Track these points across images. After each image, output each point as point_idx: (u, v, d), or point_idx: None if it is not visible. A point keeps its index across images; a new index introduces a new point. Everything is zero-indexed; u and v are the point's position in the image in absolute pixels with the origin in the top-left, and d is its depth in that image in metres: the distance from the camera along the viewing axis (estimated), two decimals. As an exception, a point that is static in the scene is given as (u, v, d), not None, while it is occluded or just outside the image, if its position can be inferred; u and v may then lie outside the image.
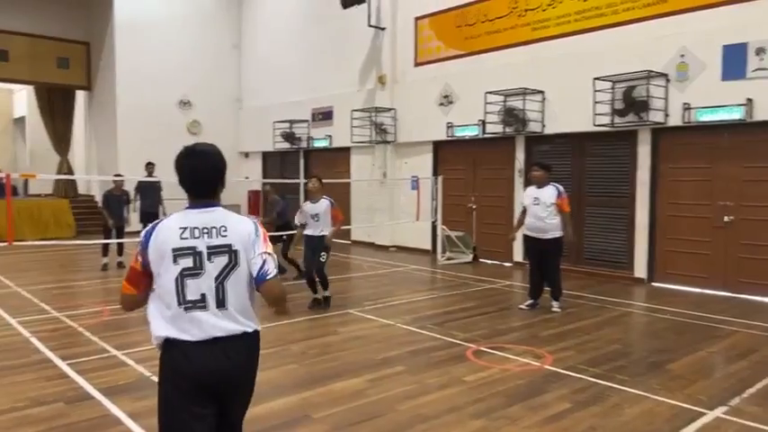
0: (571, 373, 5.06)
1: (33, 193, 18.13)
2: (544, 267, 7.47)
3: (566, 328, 6.64)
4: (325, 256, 7.38)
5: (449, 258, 11.67)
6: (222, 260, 2.41)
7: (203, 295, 2.38)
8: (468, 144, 12.15)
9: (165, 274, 2.39)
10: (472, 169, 12.20)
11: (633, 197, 9.61)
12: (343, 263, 11.91)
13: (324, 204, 7.39)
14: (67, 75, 17.35)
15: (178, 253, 2.38)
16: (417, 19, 12.96)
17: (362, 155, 14.27)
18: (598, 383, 4.83)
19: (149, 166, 11.89)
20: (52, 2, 16.63)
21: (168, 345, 2.41)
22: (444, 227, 11.75)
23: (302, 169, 16.29)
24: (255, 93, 17.88)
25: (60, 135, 17.86)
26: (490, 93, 10.93)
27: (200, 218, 2.44)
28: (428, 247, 12.83)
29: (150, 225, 2.49)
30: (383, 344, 5.99)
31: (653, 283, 9.37)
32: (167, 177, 10.63)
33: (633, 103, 9.13)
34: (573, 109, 10.05)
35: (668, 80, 8.93)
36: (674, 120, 8.90)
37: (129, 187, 11.17)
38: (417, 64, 13.06)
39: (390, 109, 13.27)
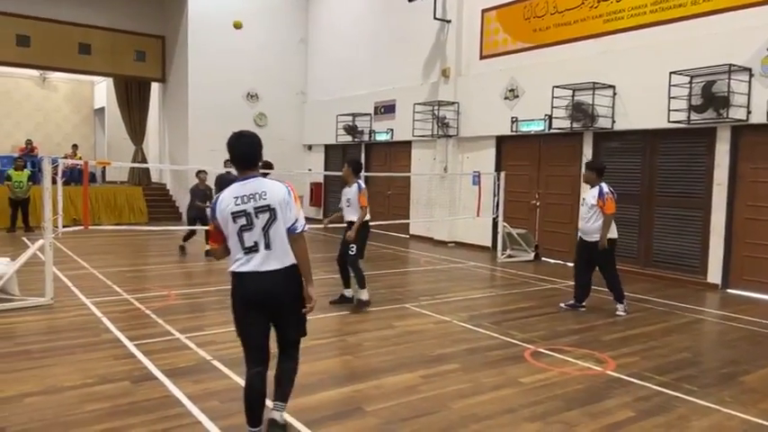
0: (635, 380, 4.85)
1: (110, 180, 19.08)
2: (602, 271, 7.20)
3: (630, 333, 6.37)
4: (354, 249, 6.87)
5: (509, 256, 11.44)
6: (265, 216, 3.32)
7: (255, 242, 3.32)
8: (533, 139, 11.86)
9: (230, 231, 3.33)
10: (536, 165, 11.90)
11: (709, 198, 9.09)
12: (401, 257, 11.91)
13: (354, 188, 6.95)
14: (144, 67, 18.10)
15: (235, 215, 3.31)
16: (484, 11, 12.73)
17: (424, 149, 14.20)
18: (664, 392, 4.60)
19: (228, 163, 12.26)
20: (131, -2, 17.41)
21: (234, 276, 3.38)
22: (506, 224, 11.52)
23: (363, 162, 16.38)
24: (320, 86, 18.10)
25: (136, 125, 18.70)
26: (558, 87, 10.61)
27: (246, 187, 3.35)
28: (488, 243, 12.63)
29: (215, 198, 3.45)
30: (438, 340, 5.93)
31: (728, 290, 8.86)
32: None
33: (712, 99, 8.63)
34: (646, 104, 9.60)
35: (752, 75, 8.37)
36: (758, 117, 8.34)
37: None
38: (482, 57, 12.84)
39: (453, 102, 13.12)
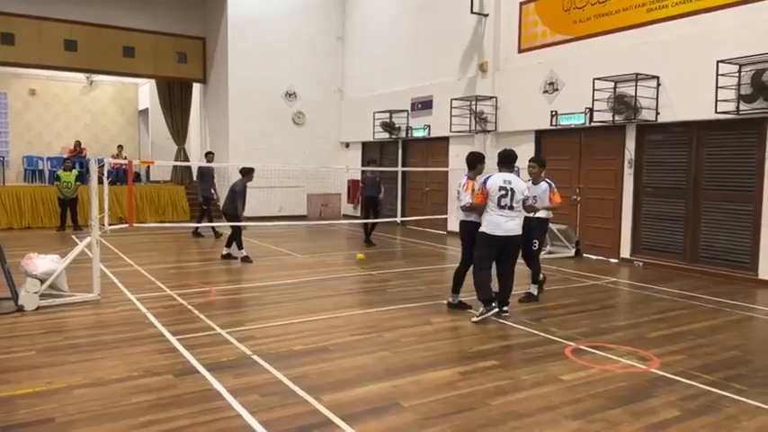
0: (681, 379, 4.70)
1: (154, 180, 19.56)
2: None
3: (676, 331, 6.18)
4: (537, 243, 7.64)
5: (549, 252, 11.25)
6: (511, 192, 6.29)
7: (506, 204, 6.29)
8: (574, 133, 11.62)
9: (493, 195, 6.31)
10: (577, 159, 11.66)
11: (759, 191, 8.73)
12: (439, 253, 11.85)
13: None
14: (185, 69, 18.47)
15: (500, 188, 6.31)
16: (522, 4, 12.54)
17: (461, 144, 14.07)
18: (712, 392, 4.45)
19: (210, 155, 13.99)
20: (173, 1, 17.77)
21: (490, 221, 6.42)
22: (545, 219, 11.31)
23: (400, 159, 16.41)
24: (357, 83, 18.15)
25: (178, 125, 19.11)
26: (599, 79, 10.37)
27: (506, 176, 6.41)
28: (528, 239, 12.42)
29: (487, 176, 6.44)
30: (476, 337, 5.88)
31: (780, 287, 8.51)
32: (273, 165, 10.97)
33: (763, 88, 8.29)
34: (691, 95, 9.29)
35: (806, 61, 8.01)
36: (812, 106, 7.98)
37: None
38: (521, 50, 12.65)
39: (491, 97, 12.97)
